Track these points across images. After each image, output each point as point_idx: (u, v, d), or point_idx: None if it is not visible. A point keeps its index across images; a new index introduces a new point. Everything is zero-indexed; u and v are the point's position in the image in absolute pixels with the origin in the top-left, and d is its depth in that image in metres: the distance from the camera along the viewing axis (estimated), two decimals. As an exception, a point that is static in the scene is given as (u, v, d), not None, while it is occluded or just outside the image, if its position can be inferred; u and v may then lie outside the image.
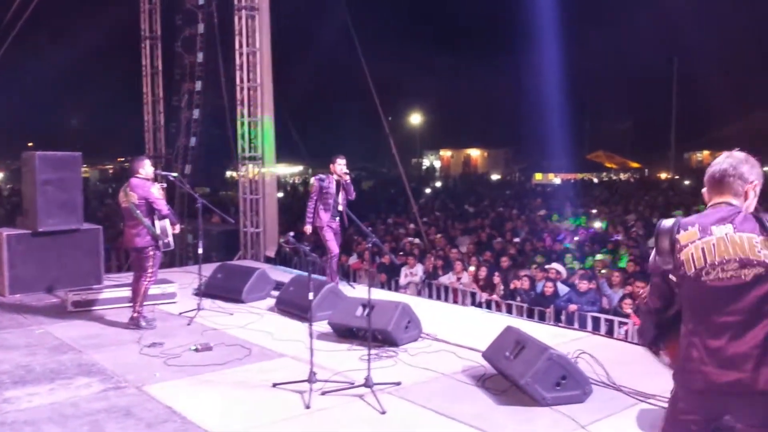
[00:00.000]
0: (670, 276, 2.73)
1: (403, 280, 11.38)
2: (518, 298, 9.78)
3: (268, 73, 12.31)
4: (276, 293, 7.90)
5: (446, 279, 11.02)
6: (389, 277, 11.56)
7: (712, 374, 2.57)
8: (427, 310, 7.52)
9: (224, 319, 7.15)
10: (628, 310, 8.29)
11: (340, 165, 8.21)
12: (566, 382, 4.72)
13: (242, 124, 11.99)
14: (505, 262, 11.49)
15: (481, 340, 5.80)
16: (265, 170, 12.02)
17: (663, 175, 36.91)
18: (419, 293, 10.89)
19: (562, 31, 24.07)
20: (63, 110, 44.00)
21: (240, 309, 7.61)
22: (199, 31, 14.72)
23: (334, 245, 8.29)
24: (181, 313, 7.34)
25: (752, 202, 2.69)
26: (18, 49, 12.75)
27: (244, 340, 6.35)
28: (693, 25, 29.12)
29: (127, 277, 8.49)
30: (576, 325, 8.70)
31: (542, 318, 9.08)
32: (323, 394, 4.87)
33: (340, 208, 8.32)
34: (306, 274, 6.21)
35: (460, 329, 6.82)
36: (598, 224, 16.37)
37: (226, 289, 8.05)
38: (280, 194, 21.86)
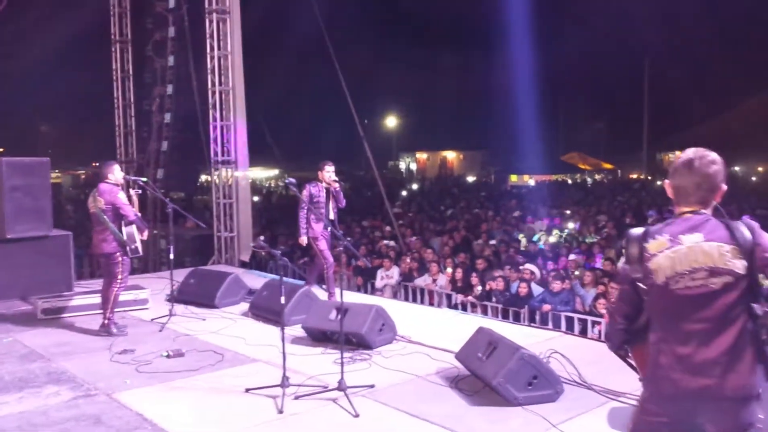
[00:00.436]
0: (639, 284, 2.72)
1: (379, 283, 11.37)
2: (493, 299, 9.84)
3: (240, 77, 12.23)
4: (250, 298, 7.85)
5: (422, 281, 11.03)
6: (365, 280, 11.54)
7: (681, 381, 2.58)
8: (403, 312, 7.53)
9: (197, 325, 7.09)
10: (602, 310, 8.37)
11: (329, 172, 7.89)
12: (538, 382, 4.75)
13: (214, 127, 11.90)
14: (480, 263, 11.54)
15: (456, 342, 5.81)
16: (239, 174, 11.94)
17: (635, 176, 37.41)
18: (395, 296, 10.89)
19: (537, 33, 24.31)
20: (33, 115, 43.29)
21: (213, 314, 7.55)
22: (170, 35, 14.55)
23: (329, 255, 7.98)
24: (152, 320, 7.26)
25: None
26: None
27: (216, 346, 6.30)
28: (665, 27, 29.59)
29: (98, 283, 8.36)
30: (550, 325, 8.77)
31: (517, 318, 9.14)
32: (296, 398, 4.85)
33: (332, 216, 7.97)
34: (286, 279, 6.17)
35: (434, 331, 6.84)
36: (571, 225, 16.52)
37: (198, 294, 7.98)
38: (256, 198, 21.76)
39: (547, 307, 8.98)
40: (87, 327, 6.99)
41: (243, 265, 11.76)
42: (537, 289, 9.70)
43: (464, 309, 9.82)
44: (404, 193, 28.40)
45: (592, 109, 36.41)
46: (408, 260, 12.03)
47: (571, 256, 11.89)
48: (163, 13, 15.03)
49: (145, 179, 7.44)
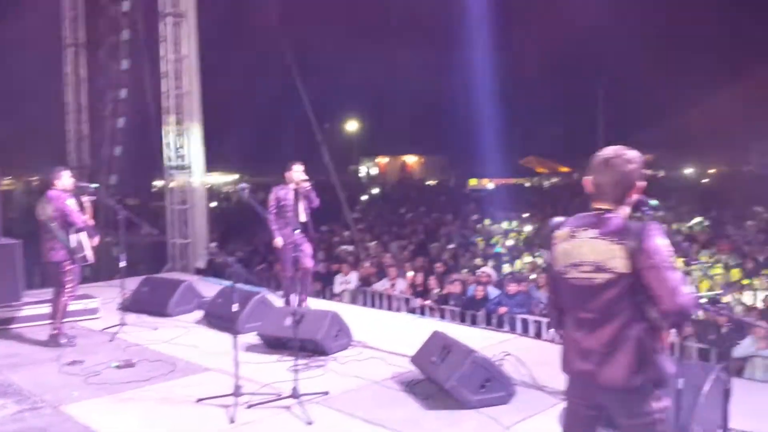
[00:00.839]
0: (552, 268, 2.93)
1: (337, 288, 11.35)
2: (451, 303, 9.89)
3: (197, 80, 12.10)
4: (205, 306, 7.74)
5: (380, 286, 11.04)
6: (324, 285, 11.50)
7: (574, 362, 2.80)
8: (361, 317, 7.52)
9: (149, 334, 6.95)
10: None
11: (297, 172, 7.51)
12: (491, 385, 4.79)
13: (168, 132, 11.72)
14: (439, 267, 11.60)
15: (412, 346, 5.81)
16: (195, 179, 11.78)
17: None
18: (354, 301, 10.87)
19: (495, 37, 24.54)
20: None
21: (166, 323, 7.42)
22: (124, 38, 14.31)
23: (289, 267, 7.58)
24: (103, 329, 7.09)
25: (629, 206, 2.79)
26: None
27: (168, 355, 6.19)
28: (619, 31, 30.18)
29: (48, 293, 8.14)
30: (506, 328, 8.86)
31: (474, 321, 9.20)
32: (249, 407, 4.79)
33: (303, 218, 7.56)
34: (240, 285, 6.09)
35: (392, 336, 6.84)
36: (529, 228, 16.74)
37: (151, 302, 7.83)
38: (214, 204, 21.51)
39: (503, 309, 9.07)
40: (36, 338, 6.79)
41: (199, 272, 11.60)
42: (494, 292, 9.80)
43: (422, 313, 9.86)
44: (364, 197, 28.40)
45: (549, 113, 36.94)
46: (367, 265, 12.03)
47: (528, 258, 12.04)
48: (117, 16, 14.75)
49: (96, 185, 7.27)
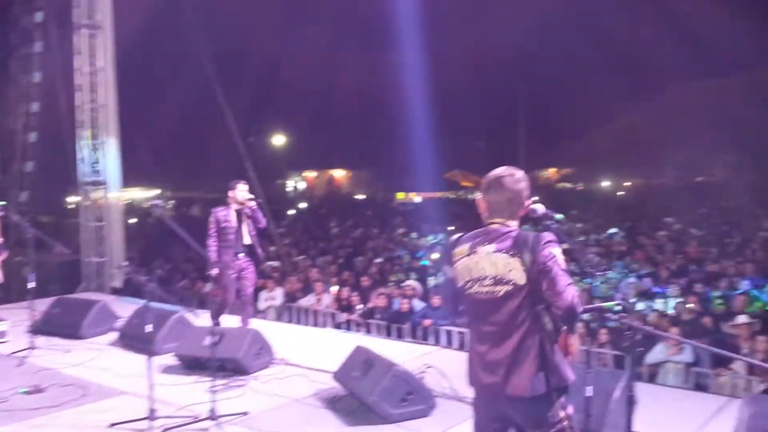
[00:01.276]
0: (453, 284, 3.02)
1: (262, 305, 11.17)
2: (377, 317, 9.91)
3: (113, 93, 11.75)
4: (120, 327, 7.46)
5: (306, 301, 10.94)
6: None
7: (480, 375, 2.88)
8: (285, 334, 7.44)
9: (60, 358, 6.64)
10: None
11: (242, 191, 7.01)
12: (412, 398, 4.82)
13: (83, 147, 11.31)
14: (365, 281, 11.61)
15: (336, 362, 5.79)
16: (111, 195, 11.39)
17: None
18: (279, 317, 10.73)
19: (419, 52, 24.87)
20: None
21: (79, 345, 7.10)
22: (37, 50, 13.73)
23: (232, 293, 7.08)
24: (11, 353, 6.73)
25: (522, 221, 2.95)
26: None
27: (81, 379, 5.92)
28: (539, 47, 31.18)
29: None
30: (431, 340, 8.94)
31: (400, 335, 9.24)
32: (165, 431, 4.64)
33: (248, 240, 7.09)
34: (157, 305, 5.89)
35: (315, 352, 6.79)
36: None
37: (63, 324, 7.49)
38: (133, 220, 20.86)
39: (427, 322, 9.15)
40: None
41: (115, 291, 11.18)
42: (419, 305, 9.88)
43: (348, 328, 9.83)
44: (291, 212, 28.16)
45: (472, 128, 37.72)
46: (293, 280, 11.91)
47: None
48: (29, 27, 14.16)
49: (3, 202, 6.93)
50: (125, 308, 8.40)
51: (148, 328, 4.93)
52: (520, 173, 2.92)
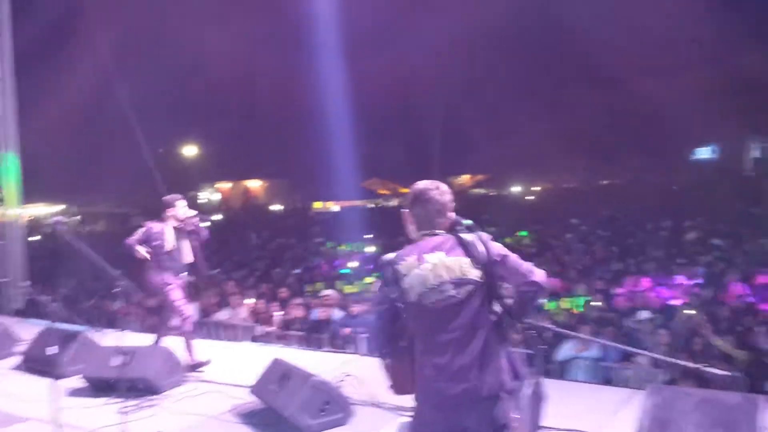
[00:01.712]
0: (397, 303, 2.97)
1: (175, 321, 10.84)
2: (295, 327, 9.82)
3: (12, 105, 11.17)
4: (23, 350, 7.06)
5: (222, 315, 10.71)
6: (160, 320, 10.94)
7: (444, 388, 2.83)
8: (200, 350, 7.22)
9: (-45, 387, 6.24)
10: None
11: (183, 208, 6.62)
12: (330, 407, 4.81)
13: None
14: (284, 292, 11.47)
15: (254, 376, 5.70)
16: (10, 212, 10.80)
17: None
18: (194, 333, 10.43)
19: (336, 60, 24.89)
20: None
21: (-24, 372, 6.70)
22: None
23: (185, 307, 6.75)
24: None
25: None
26: None
27: (-22, 408, 5.58)
28: (454, 55, 31.89)
29: None
30: (352, 348, 8.95)
31: (319, 345, 9.20)
32: (72, 456, 4.44)
33: (190, 259, 6.67)
34: (62, 326, 5.64)
35: (232, 367, 6.65)
36: (372, 248, 17.04)
37: (-42, 351, 7.04)
38: (36, 237, 19.85)
39: (346, 330, 9.15)
40: None
41: (18, 313, 10.58)
42: (338, 314, 9.86)
43: (267, 340, 9.69)
44: (206, 224, 27.52)
45: (389, 136, 38.14)
46: (208, 295, 11.63)
47: (367, 279, 12.26)
48: None
49: None
50: (28, 330, 7.96)
51: (52, 350, 4.70)
52: (444, 186, 3.02)
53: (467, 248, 2.86)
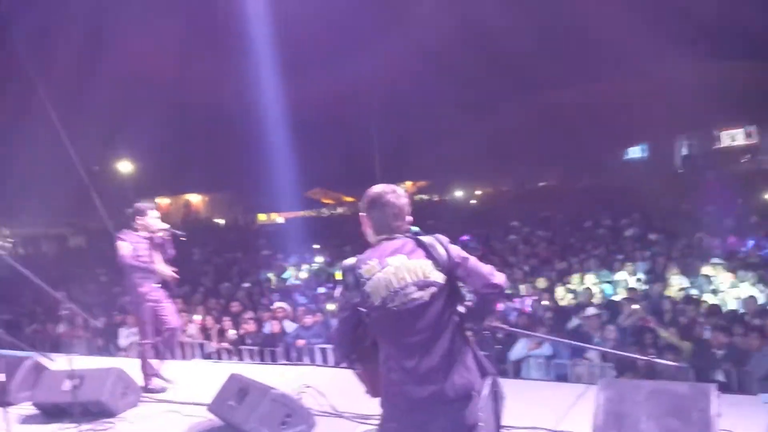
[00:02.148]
0: (360, 308, 2.96)
1: (123, 342, 10.58)
2: (248, 342, 9.72)
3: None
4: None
5: (171, 333, 10.48)
6: (107, 341, 10.67)
7: (412, 392, 2.84)
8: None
9: None
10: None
11: (154, 218, 6.38)
12: (291, 420, 4.79)
13: None
14: (234, 306, 11.31)
15: (209, 393, 5.61)
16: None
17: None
18: (143, 353, 10.19)
19: (274, 70, 24.71)
20: None
21: None
22: None
23: (174, 317, 6.53)
24: None
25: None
26: None
27: None
28: (395, 61, 32.15)
29: None
30: (306, 360, 8.92)
31: (273, 358, 9.13)
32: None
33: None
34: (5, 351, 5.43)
35: (186, 385, 6.52)
36: (320, 259, 16.99)
37: None
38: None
39: (300, 342, 9.12)
40: None
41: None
42: (291, 326, 9.81)
43: (219, 357, 9.55)
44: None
45: (329, 144, 38.12)
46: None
47: (321, 289, 12.23)
48: None
49: None
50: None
51: (3, 377, 4.53)
52: (400, 190, 3.03)
53: (428, 250, 2.88)
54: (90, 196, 15.01)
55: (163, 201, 46.86)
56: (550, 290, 10.60)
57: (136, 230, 6.34)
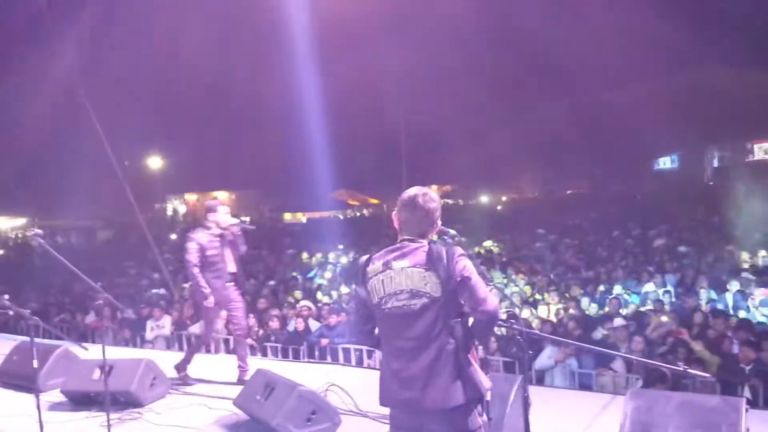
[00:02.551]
0: (367, 303, 3.07)
1: (149, 334, 10.72)
2: (272, 339, 9.78)
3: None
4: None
5: (197, 328, 10.60)
6: (133, 333, 10.82)
7: (395, 392, 2.96)
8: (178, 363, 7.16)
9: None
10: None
11: (224, 214, 6.30)
12: (316, 417, 4.81)
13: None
14: (261, 303, 11.39)
15: (235, 388, 5.69)
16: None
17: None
18: (169, 346, 10.34)
19: (304, 72, 24.87)
20: None
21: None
22: None
23: (243, 320, 6.45)
24: None
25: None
26: None
27: (-45, 426, 5.44)
28: (421, 70, 32.23)
29: None
30: (329, 359, 8.95)
31: (297, 356, 9.17)
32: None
33: (233, 269, 6.35)
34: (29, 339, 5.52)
35: (213, 379, 6.60)
36: (345, 259, 17.04)
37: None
38: None
39: (324, 341, 9.15)
40: None
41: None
42: (315, 325, 9.86)
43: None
44: (173, 236, 27.18)
45: (357, 147, 38.23)
46: (184, 307, 11.49)
47: (345, 289, 12.26)
48: None
49: None
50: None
51: (36, 363, 4.62)
52: (433, 194, 3.05)
53: (434, 262, 2.89)
54: (120, 190, 15.26)
55: (191, 197, 47.42)
56: (575, 299, 10.51)
57: (208, 228, 6.25)
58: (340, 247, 19.41)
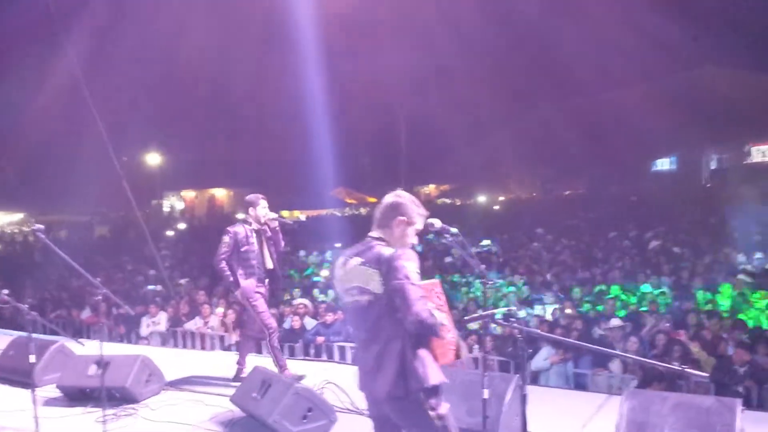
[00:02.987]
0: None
1: (144, 330, 10.72)
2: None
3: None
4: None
5: (192, 324, 10.60)
6: (129, 329, 10.81)
7: (359, 379, 3.20)
8: (173, 359, 7.17)
9: None
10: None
11: (264, 208, 6.10)
12: (313, 414, 4.81)
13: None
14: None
15: (231, 385, 5.68)
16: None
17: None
18: (164, 343, 10.33)
19: (303, 71, 24.88)
20: None
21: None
22: None
23: (270, 318, 6.12)
24: None
25: (401, 235, 3.17)
26: None
27: (-50, 420, 5.43)
28: (421, 64, 32.25)
29: None
30: (324, 356, 8.96)
31: (292, 353, 9.17)
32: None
33: (270, 265, 6.11)
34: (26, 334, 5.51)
35: (208, 376, 6.59)
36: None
37: None
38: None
39: (320, 339, 9.15)
40: None
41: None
42: (311, 322, 9.86)
43: (239, 349, 9.61)
44: (170, 233, 27.17)
45: (356, 145, 38.25)
46: (180, 304, 11.49)
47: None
48: None
49: None
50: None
51: (33, 358, 4.62)
52: (402, 192, 3.24)
53: (378, 261, 3.03)
54: (118, 185, 15.22)
55: (189, 194, 47.37)
56: (572, 299, 10.53)
57: (248, 223, 6.07)
58: (338, 245, 19.40)
